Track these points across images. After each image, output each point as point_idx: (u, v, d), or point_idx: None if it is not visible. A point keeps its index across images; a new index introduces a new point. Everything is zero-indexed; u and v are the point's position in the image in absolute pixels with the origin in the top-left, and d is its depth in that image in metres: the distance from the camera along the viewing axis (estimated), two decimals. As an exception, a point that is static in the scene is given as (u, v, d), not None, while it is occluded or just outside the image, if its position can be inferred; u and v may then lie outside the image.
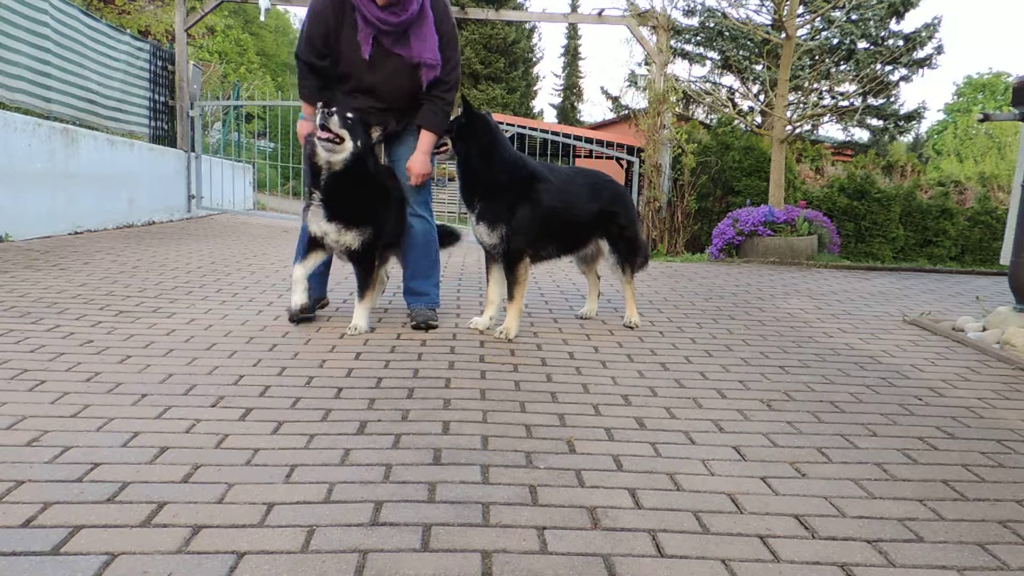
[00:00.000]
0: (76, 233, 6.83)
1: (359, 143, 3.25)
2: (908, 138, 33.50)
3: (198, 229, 8.27)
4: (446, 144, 3.53)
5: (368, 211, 3.39)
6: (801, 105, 15.62)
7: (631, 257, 3.89)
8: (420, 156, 3.48)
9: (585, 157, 16.44)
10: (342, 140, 3.20)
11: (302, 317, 3.56)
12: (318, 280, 3.75)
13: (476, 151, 3.46)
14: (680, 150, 9.81)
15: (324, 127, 3.15)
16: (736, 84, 19.61)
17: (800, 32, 15.61)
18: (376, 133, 3.34)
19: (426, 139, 3.47)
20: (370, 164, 3.36)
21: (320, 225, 3.38)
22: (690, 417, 2.52)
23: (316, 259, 3.53)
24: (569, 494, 1.86)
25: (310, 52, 3.40)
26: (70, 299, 3.89)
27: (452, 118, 3.55)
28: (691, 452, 2.20)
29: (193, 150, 9.79)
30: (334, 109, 3.18)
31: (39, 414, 2.23)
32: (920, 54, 18.44)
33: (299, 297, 3.50)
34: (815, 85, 16.99)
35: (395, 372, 2.88)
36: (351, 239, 3.38)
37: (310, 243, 3.48)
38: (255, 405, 2.42)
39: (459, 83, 3.50)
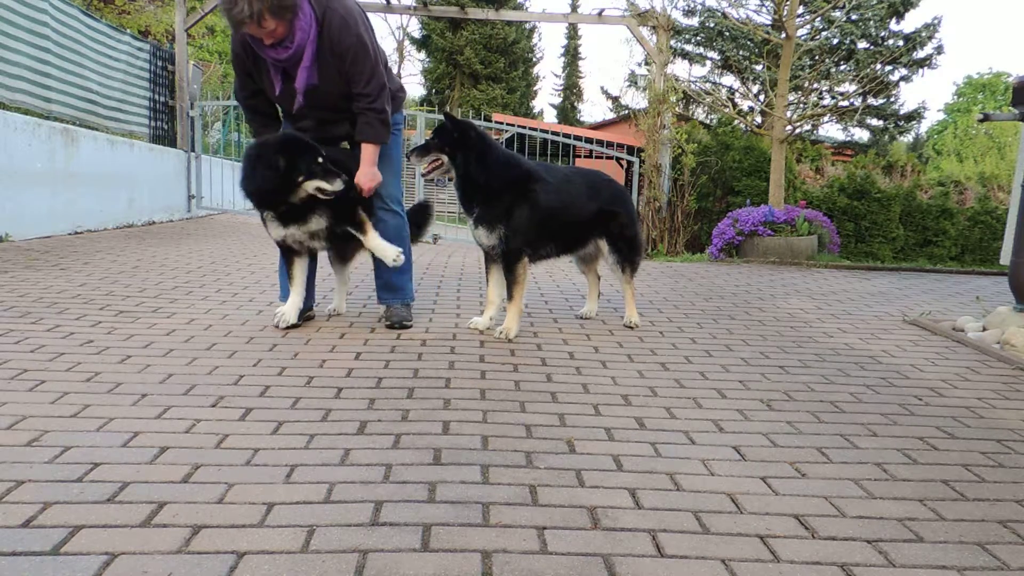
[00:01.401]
0: (76, 233, 6.82)
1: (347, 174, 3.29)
2: (908, 138, 33.47)
3: (198, 229, 8.27)
4: (440, 160, 3.50)
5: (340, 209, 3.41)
6: (801, 105, 15.62)
7: (631, 257, 3.89)
8: (366, 169, 3.41)
9: (585, 157, 16.44)
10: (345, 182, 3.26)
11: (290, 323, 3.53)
12: (307, 287, 3.69)
13: (473, 158, 3.45)
14: (680, 150, 9.81)
15: (329, 192, 3.21)
16: (736, 84, 19.61)
17: (800, 32, 15.61)
18: (345, 145, 3.34)
19: (368, 151, 3.40)
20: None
21: (278, 231, 3.40)
22: (690, 417, 2.52)
23: (301, 266, 3.53)
24: (569, 494, 1.86)
25: (243, 92, 3.44)
26: (70, 299, 3.89)
27: (438, 130, 3.52)
28: (691, 452, 2.20)
29: (193, 150, 9.79)
30: (336, 178, 3.21)
31: (39, 414, 2.23)
32: (920, 54, 18.43)
33: (295, 302, 3.50)
34: (815, 85, 16.99)
35: (395, 372, 2.88)
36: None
37: (284, 251, 3.50)
38: (255, 405, 2.42)
39: (383, 87, 3.36)
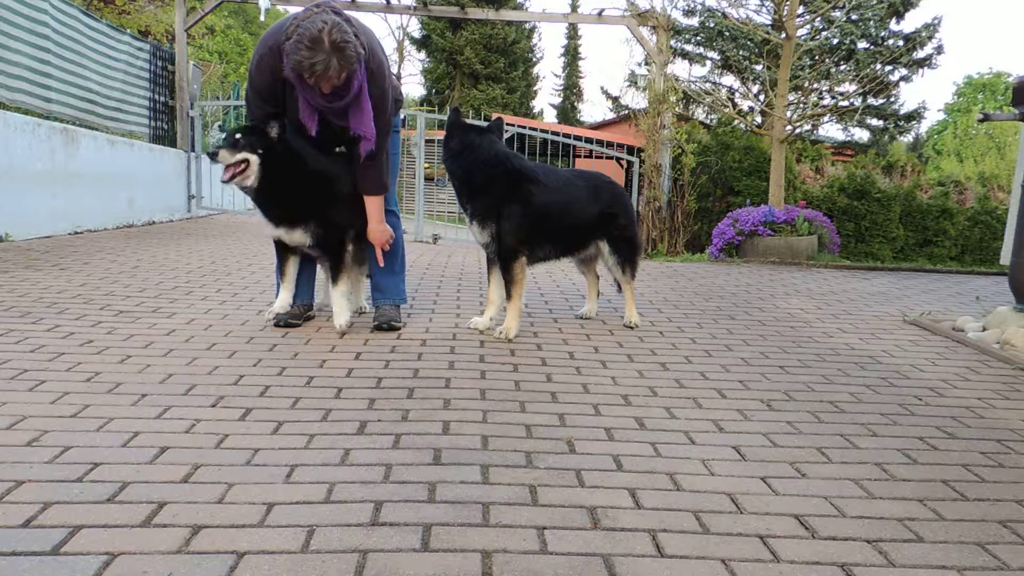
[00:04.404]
0: (76, 233, 6.82)
1: (260, 151, 3.20)
2: (908, 138, 33.48)
3: (198, 229, 8.27)
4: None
5: (310, 207, 3.35)
6: (801, 105, 15.61)
7: (631, 257, 3.89)
8: (375, 226, 3.43)
9: (585, 157, 16.45)
10: (247, 165, 3.20)
11: (289, 322, 3.53)
12: (306, 285, 3.70)
13: (450, 153, 3.54)
14: (680, 150, 9.81)
15: (225, 164, 3.17)
16: (736, 84, 19.61)
17: (800, 32, 15.59)
18: (273, 131, 3.23)
19: (373, 204, 3.40)
20: (293, 163, 3.27)
21: (271, 231, 3.43)
22: (690, 417, 2.52)
23: (294, 264, 3.56)
24: (569, 494, 1.86)
25: (261, 112, 3.28)
26: (70, 299, 3.89)
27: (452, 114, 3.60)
28: (691, 452, 2.20)
29: (193, 150, 9.79)
30: (219, 144, 3.19)
31: (39, 414, 2.23)
32: (920, 54, 18.44)
33: (284, 298, 3.54)
34: (815, 85, 16.99)
35: (395, 372, 2.88)
36: (300, 237, 3.39)
37: (278, 247, 3.54)
38: (255, 405, 2.42)
39: (386, 139, 3.36)
